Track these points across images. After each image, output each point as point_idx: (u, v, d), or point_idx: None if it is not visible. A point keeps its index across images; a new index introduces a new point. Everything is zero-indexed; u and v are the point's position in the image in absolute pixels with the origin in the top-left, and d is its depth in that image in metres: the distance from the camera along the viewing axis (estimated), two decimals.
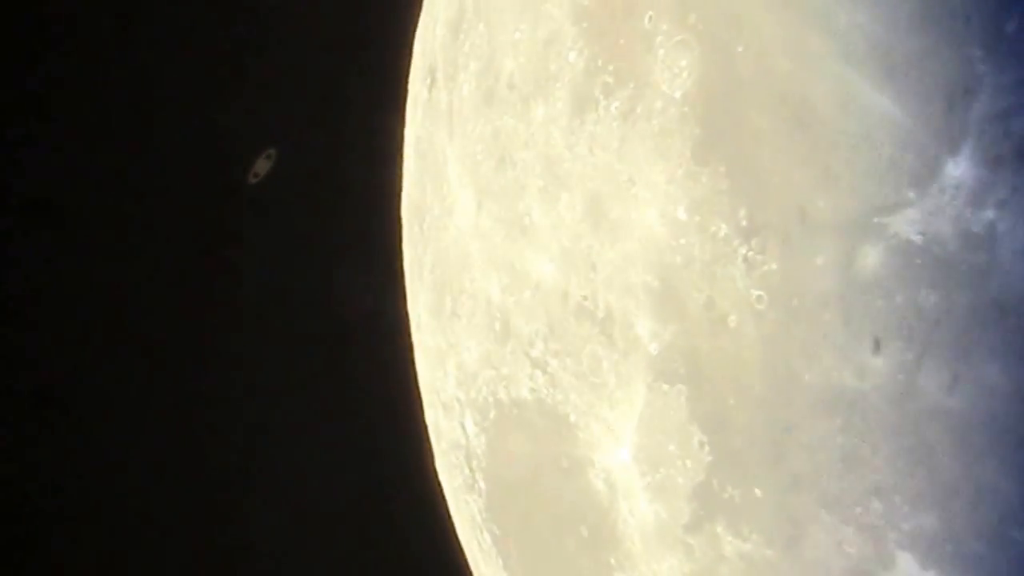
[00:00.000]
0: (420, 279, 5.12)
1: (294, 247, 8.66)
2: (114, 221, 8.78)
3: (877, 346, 3.39)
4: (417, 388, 5.30)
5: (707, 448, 3.79)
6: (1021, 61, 3.20)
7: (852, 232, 3.41)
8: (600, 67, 3.96)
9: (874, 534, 3.50)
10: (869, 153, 3.38)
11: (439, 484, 5.25)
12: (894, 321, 3.37)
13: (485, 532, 4.85)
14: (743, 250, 3.61)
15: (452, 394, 4.87)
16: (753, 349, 3.62)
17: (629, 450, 4.02)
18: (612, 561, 4.21)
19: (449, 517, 5.21)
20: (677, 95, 3.74)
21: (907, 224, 3.34)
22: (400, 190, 5.36)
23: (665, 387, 3.86)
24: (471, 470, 4.85)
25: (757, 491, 3.70)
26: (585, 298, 4.06)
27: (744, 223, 3.60)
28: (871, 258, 3.40)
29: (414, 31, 5.28)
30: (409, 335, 5.33)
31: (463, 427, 4.82)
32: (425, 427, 5.28)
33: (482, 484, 4.80)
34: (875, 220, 3.38)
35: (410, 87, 5.25)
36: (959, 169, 3.28)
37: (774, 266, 3.56)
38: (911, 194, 3.33)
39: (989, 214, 3.25)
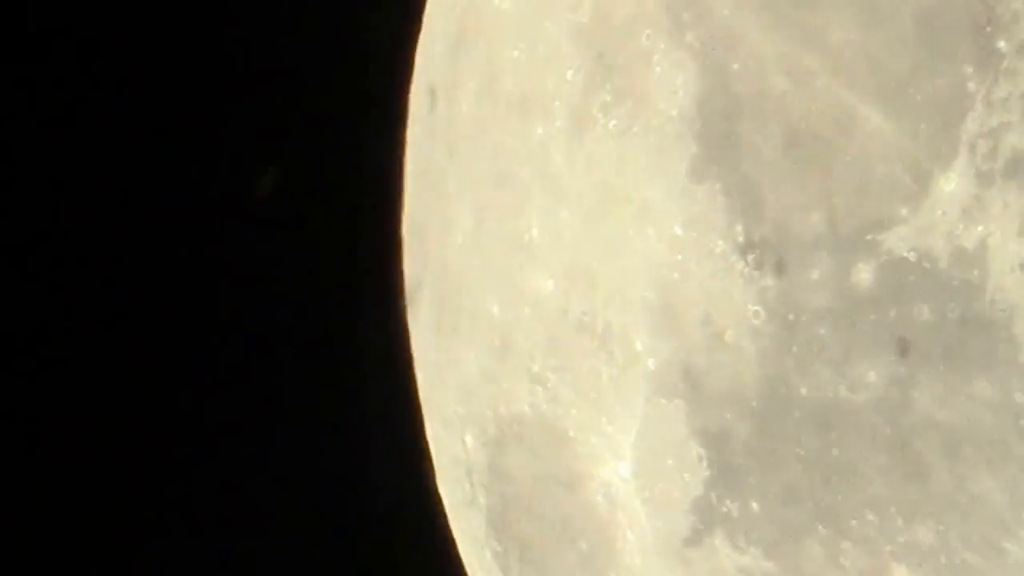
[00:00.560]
0: (420, 295, 5.15)
1: (293, 264, 8.66)
2: (113, 238, 8.80)
3: (871, 360, 3.44)
4: (417, 403, 5.31)
5: (705, 462, 3.83)
6: (1011, 78, 3.26)
7: (846, 248, 3.45)
8: (598, 85, 4.00)
9: (869, 546, 3.54)
10: (862, 170, 3.43)
11: (439, 500, 5.26)
12: (888, 335, 3.42)
13: (485, 547, 4.87)
14: (740, 266, 3.66)
15: (452, 409, 4.88)
16: (750, 364, 3.67)
17: (628, 464, 4.06)
18: (612, 575, 4.24)
19: (449, 532, 5.22)
20: (674, 113, 3.78)
21: (900, 240, 3.39)
22: (400, 207, 5.38)
23: (664, 402, 3.90)
24: (471, 485, 4.86)
25: (755, 505, 3.74)
26: (584, 314, 4.10)
27: (740, 239, 3.65)
28: (865, 274, 3.44)
29: (414, 49, 5.31)
30: (409, 351, 5.34)
31: (463, 442, 4.83)
32: (426, 442, 5.29)
33: (482, 499, 4.82)
34: (868, 236, 3.43)
35: (410, 104, 5.27)
36: (951, 185, 3.33)
37: (770, 281, 3.61)
38: (904, 210, 3.38)
39: (980, 230, 3.30)
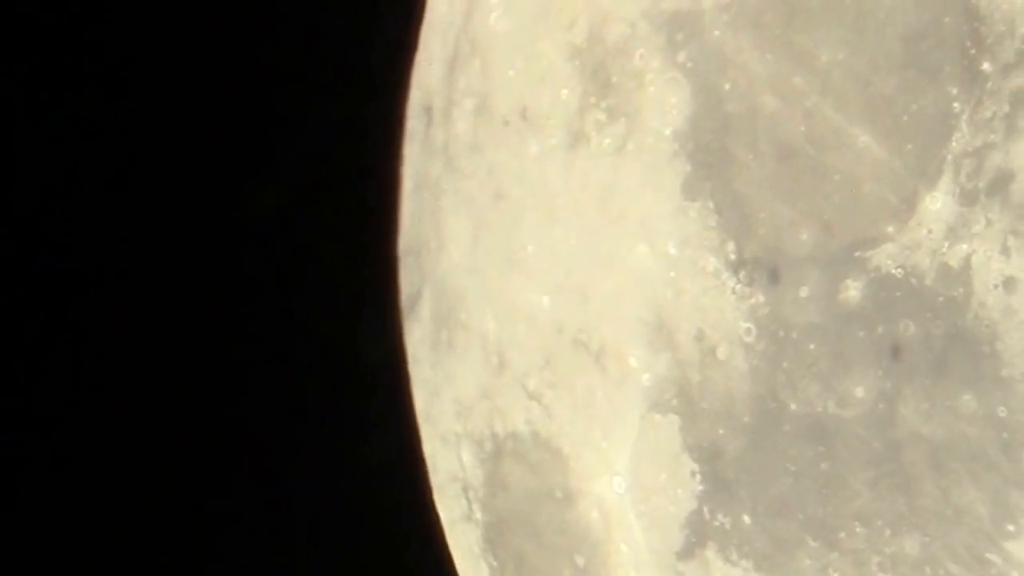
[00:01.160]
0: (417, 312, 5.16)
1: (290, 280, 8.67)
2: (113, 257, 8.81)
3: (859, 375, 3.49)
4: (414, 420, 5.33)
5: (699, 477, 3.86)
6: (994, 99, 3.31)
7: (835, 265, 3.50)
8: (592, 104, 4.04)
9: (857, 558, 3.58)
10: (850, 189, 3.48)
11: (437, 515, 5.27)
12: (875, 351, 3.47)
13: (482, 562, 4.88)
14: (732, 283, 3.70)
15: (449, 426, 4.89)
16: (742, 380, 3.71)
17: (623, 479, 4.08)
18: None
19: (446, 547, 5.23)
20: (668, 131, 3.82)
21: (887, 258, 3.43)
22: (397, 224, 5.40)
23: (658, 417, 3.93)
24: (468, 501, 4.87)
25: (746, 518, 3.77)
26: (579, 330, 4.13)
27: (732, 257, 3.69)
28: (853, 291, 3.49)
29: (411, 68, 5.34)
30: (406, 367, 5.35)
31: (460, 459, 4.84)
32: (423, 458, 5.30)
33: (479, 515, 4.83)
34: (856, 254, 3.48)
35: (407, 123, 5.30)
36: (936, 204, 3.38)
37: (761, 298, 3.65)
38: (890, 228, 3.43)
39: (964, 247, 3.35)
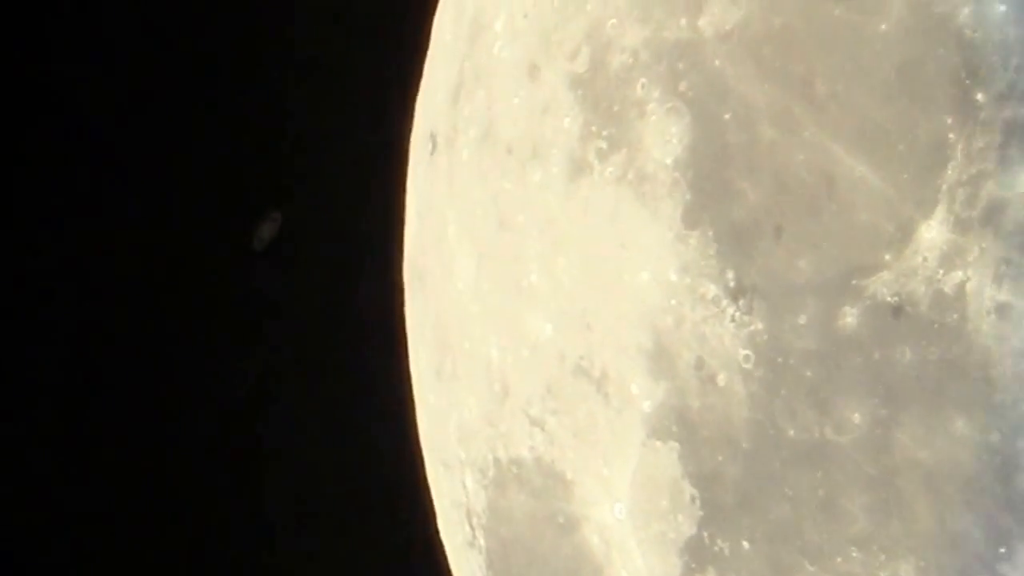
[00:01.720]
0: (421, 339, 5.17)
1: (295, 308, 8.68)
2: (117, 285, 8.83)
3: (856, 401, 3.51)
4: (418, 446, 5.34)
5: (698, 503, 3.88)
6: (988, 129, 3.34)
7: (832, 293, 3.52)
8: (594, 133, 4.07)
9: None
10: (847, 217, 3.50)
11: (440, 541, 5.28)
12: (872, 378, 3.49)
13: None
14: (731, 310, 3.73)
15: (453, 452, 4.90)
16: (741, 406, 3.73)
17: (624, 505, 4.10)
18: None
19: (450, 573, 5.23)
20: (668, 161, 3.84)
21: (883, 285, 3.46)
22: (401, 251, 5.42)
23: (658, 444, 3.95)
24: (471, 527, 4.88)
25: (745, 543, 3.79)
26: (581, 358, 4.15)
27: (732, 284, 3.72)
28: (850, 318, 3.52)
29: (415, 98, 5.37)
30: (410, 394, 5.37)
31: (463, 485, 4.85)
32: (427, 484, 5.31)
33: (482, 541, 4.84)
34: (853, 282, 3.50)
35: (411, 152, 5.32)
36: (932, 232, 3.41)
37: (760, 326, 3.68)
38: (887, 256, 3.46)
39: (959, 275, 3.38)
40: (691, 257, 3.79)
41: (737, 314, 3.71)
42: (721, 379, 3.76)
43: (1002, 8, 3.36)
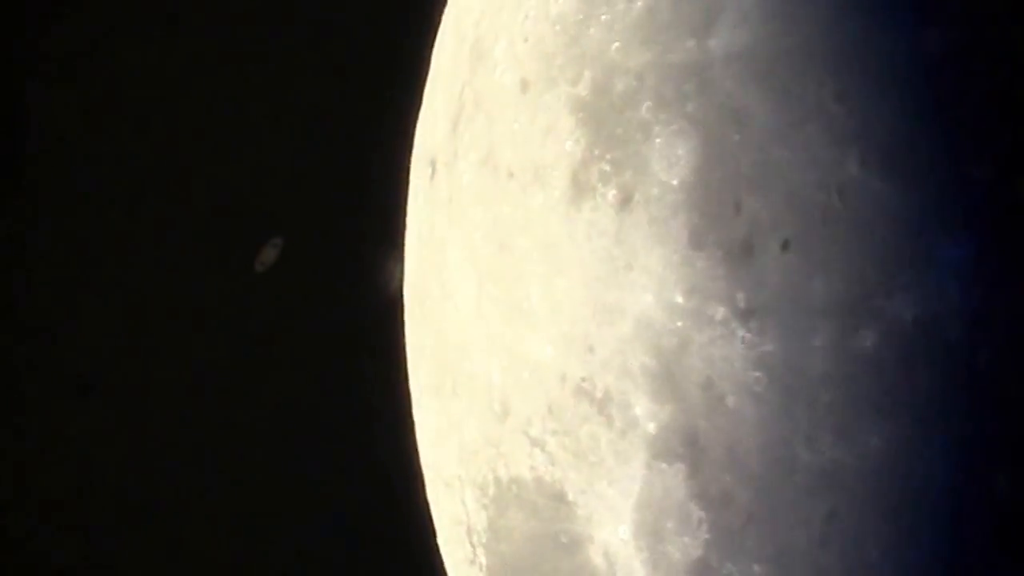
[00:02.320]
0: (422, 360, 5.10)
1: (296, 330, 8.64)
2: (119, 308, 8.77)
3: (872, 424, 3.37)
4: (419, 465, 5.26)
5: (705, 525, 3.77)
6: (989, 142, 3.22)
7: (848, 313, 3.40)
8: (597, 156, 3.95)
9: None
10: (863, 236, 3.37)
11: (441, 559, 5.21)
12: (891, 400, 3.35)
13: None
14: (741, 332, 3.60)
15: (453, 472, 4.82)
16: (751, 428, 3.61)
17: (628, 527, 3.99)
18: None
19: None
20: (675, 182, 3.73)
21: (901, 305, 3.34)
22: (402, 274, 5.35)
23: (663, 466, 3.83)
24: (472, 545, 4.80)
25: (756, 567, 3.66)
26: (583, 379, 4.03)
27: (742, 305, 3.59)
28: (867, 339, 3.39)
29: (415, 123, 5.28)
30: (411, 414, 5.29)
31: (464, 504, 4.77)
32: (427, 503, 5.24)
33: (483, 559, 4.75)
34: (870, 302, 3.37)
35: (411, 177, 5.24)
36: (950, 251, 3.28)
37: (771, 347, 3.54)
38: (904, 276, 3.33)
39: (978, 292, 3.25)
40: (699, 279, 3.65)
41: (747, 336, 3.58)
42: (731, 401, 3.62)
43: None
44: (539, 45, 4.25)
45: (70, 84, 8.86)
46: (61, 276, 8.79)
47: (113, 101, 8.80)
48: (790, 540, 3.57)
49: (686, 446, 3.76)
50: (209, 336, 8.61)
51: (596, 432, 4.03)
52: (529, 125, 4.23)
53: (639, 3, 3.90)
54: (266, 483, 8.52)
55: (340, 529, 8.30)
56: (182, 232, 8.65)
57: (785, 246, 3.50)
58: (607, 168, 3.92)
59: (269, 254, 8.49)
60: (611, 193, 3.90)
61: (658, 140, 3.77)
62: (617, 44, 3.95)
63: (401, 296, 5.30)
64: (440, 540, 5.22)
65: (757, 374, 3.57)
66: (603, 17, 3.99)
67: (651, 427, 3.84)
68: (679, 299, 3.71)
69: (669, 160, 3.73)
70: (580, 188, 4.00)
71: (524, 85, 4.28)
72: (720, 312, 3.62)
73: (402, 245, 5.33)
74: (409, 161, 5.32)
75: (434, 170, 4.93)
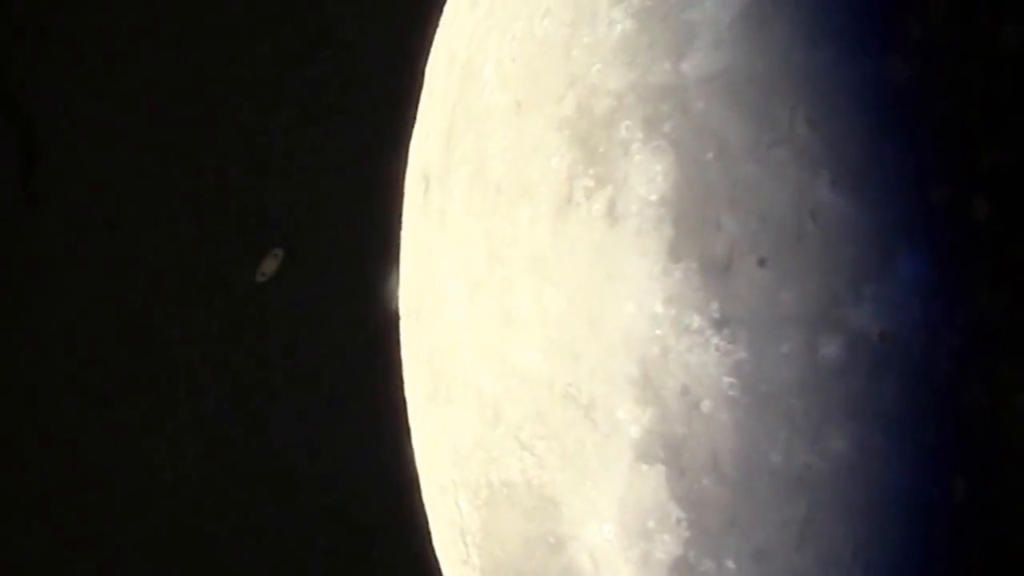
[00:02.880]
0: (416, 368, 5.13)
1: (293, 342, 8.65)
2: (118, 319, 8.79)
3: (840, 429, 3.43)
4: (414, 469, 5.29)
5: (684, 524, 3.81)
6: (948, 164, 3.27)
7: (814, 323, 3.45)
8: (581, 172, 4.00)
9: None
10: (829, 250, 3.43)
11: (436, 560, 5.24)
12: (855, 405, 3.41)
13: None
14: (715, 340, 3.65)
15: (447, 475, 4.85)
16: (726, 433, 3.65)
17: (612, 527, 4.02)
18: None
19: None
20: (653, 197, 3.78)
21: (864, 316, 3.39)
22: (396, 286, 5.39)
23: (645, 467, 3.88)
24: (465, 545, 4.83)
25: (730, 563, 3.72)
26: (570, 385, 4.08)
27: (716, 315, 3.64)
28: (832, 347, 3.44)
29: (409, 140, 5.33)
30: (406, 420, 5.33)
31: (458, 506, 4.80)
32: (422, 505, 5.27)
33: (476, 559, 4.79)
34: (834, 312, 3.43)
35: (405, 192, 5.28)
36: (912, 267, 3.34)
37: (744, 355, 3.60)
38: (867, 288, 3.38)
39: (939, 304, 3.30)
40: (676, 289, 3.71)
41: (722, 343, 3.63)
42: (706, 406, 3.68)
43: None
44: (525, 65, 4.31)
45: (74, 93, 8.87)
46: (61, 283, 8.80)
47: (115, 113, 8.82)
48: (761, 537, 3.62)
49: (666, 449, 3.81)
50: (209, 344, 8.63)
51: (582, 436, 4.06)
52: (517, 142, 4.28)
53: (619, 27, 3.94)
54: (269, 487, 8.53)
55: (340, 529, 8.31)
56: (183, 242, 8.67)
57: (754, 259, 3.56)
58: (591, 184, 3.97)
59: (270, 264, 8.52)
60: (595, 207, 3.95)
61: (637, 157, 3.82)
62: (598, 66, 4.01)
63: (397, 306, 5.35)
64: (435, 541, 5.26)
65: (731, 380, 3.63)
66: (585, 40, 4.04)
67: (634, 431, 3.89)
68: (658, 309, 3.76)
69: (648, 176, 3.79)
70: (565, 202, 4.06)
71: (512, 104, 4.33)
72: (696, 321, 3.68)
73: (399, 257, 5.38)
74: (404, 177, 5.37)
75: (428, 185, 4.96)
